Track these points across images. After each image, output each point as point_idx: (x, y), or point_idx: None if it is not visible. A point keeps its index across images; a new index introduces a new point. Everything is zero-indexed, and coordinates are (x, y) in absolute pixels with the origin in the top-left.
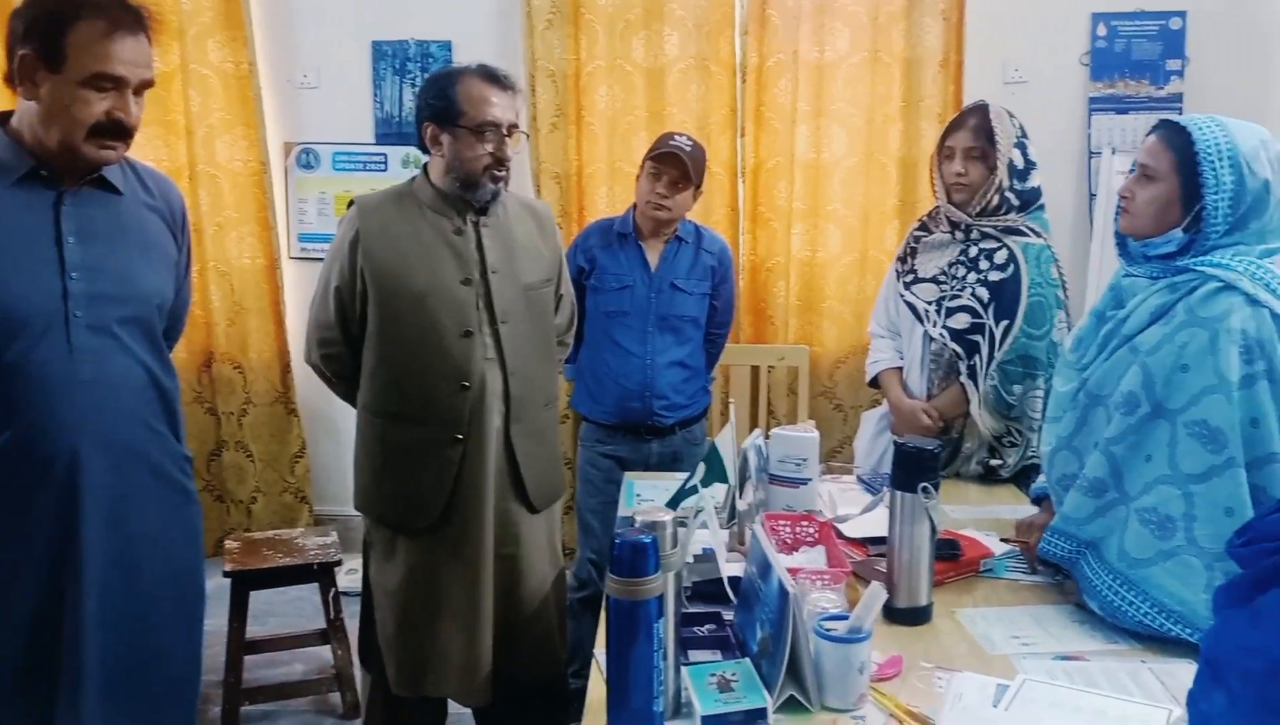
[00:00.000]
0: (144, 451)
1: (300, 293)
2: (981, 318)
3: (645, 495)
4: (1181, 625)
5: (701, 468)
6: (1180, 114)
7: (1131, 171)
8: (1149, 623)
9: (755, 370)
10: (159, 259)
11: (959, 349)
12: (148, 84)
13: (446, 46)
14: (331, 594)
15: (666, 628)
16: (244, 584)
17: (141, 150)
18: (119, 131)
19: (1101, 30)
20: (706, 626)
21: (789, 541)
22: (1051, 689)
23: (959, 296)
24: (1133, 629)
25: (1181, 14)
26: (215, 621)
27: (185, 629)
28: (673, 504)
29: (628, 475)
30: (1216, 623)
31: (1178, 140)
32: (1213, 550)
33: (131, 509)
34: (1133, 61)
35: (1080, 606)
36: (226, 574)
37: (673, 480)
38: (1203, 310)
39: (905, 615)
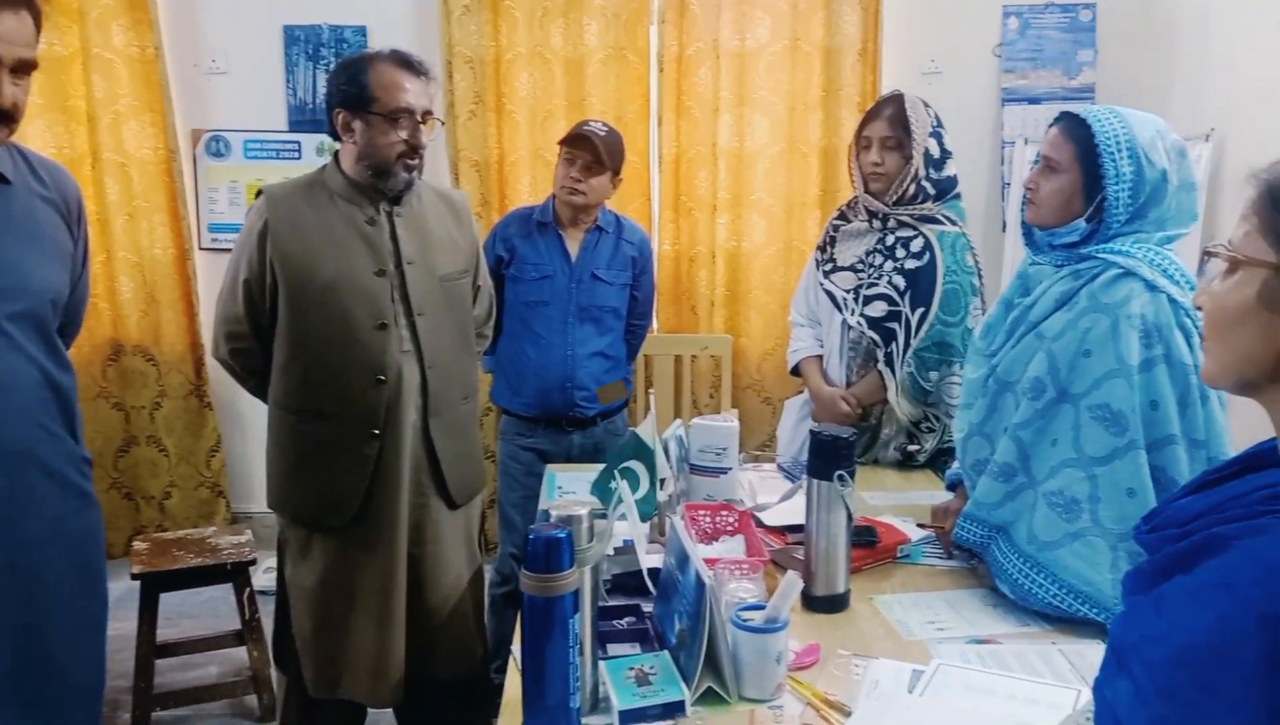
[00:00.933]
0: (37, 453)
1: (212, 284)
2: (898, 305)
3: (567, 487)
4: (1089, 605)
5: (644, 472)
6: (1092, 104)
7: (1036, 163)
8: (1058, 604)
9: (678, 360)
10: (52, 252)
11: (876, 337)
12: (27, 64)
13: (361, 31)
14: (246, 594)
15: (583, 623)
16: (153, 586)
17: (41, 137)
18: None
19: (1013, 23)
20: (626, 619)
21: (709, 531)
22: (964, 673)
23: (876, 285)
24: (1042, 611)
25: (1091, 5)
26: (125, 625)
27: (86, 636)
28: (596, 489)
29: (549, 467)
30: (1124, 610)
31: (1078, 132)
32: (1116, 531)
33: (24, 513)
34: (1044, 53)
35: (994, 590)
36: (135, 576)
37: (595, 472)
38: (1104, 296)
39: (823, 603)
